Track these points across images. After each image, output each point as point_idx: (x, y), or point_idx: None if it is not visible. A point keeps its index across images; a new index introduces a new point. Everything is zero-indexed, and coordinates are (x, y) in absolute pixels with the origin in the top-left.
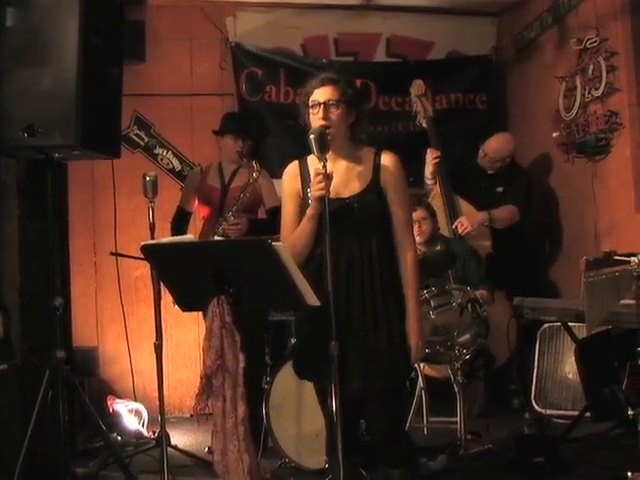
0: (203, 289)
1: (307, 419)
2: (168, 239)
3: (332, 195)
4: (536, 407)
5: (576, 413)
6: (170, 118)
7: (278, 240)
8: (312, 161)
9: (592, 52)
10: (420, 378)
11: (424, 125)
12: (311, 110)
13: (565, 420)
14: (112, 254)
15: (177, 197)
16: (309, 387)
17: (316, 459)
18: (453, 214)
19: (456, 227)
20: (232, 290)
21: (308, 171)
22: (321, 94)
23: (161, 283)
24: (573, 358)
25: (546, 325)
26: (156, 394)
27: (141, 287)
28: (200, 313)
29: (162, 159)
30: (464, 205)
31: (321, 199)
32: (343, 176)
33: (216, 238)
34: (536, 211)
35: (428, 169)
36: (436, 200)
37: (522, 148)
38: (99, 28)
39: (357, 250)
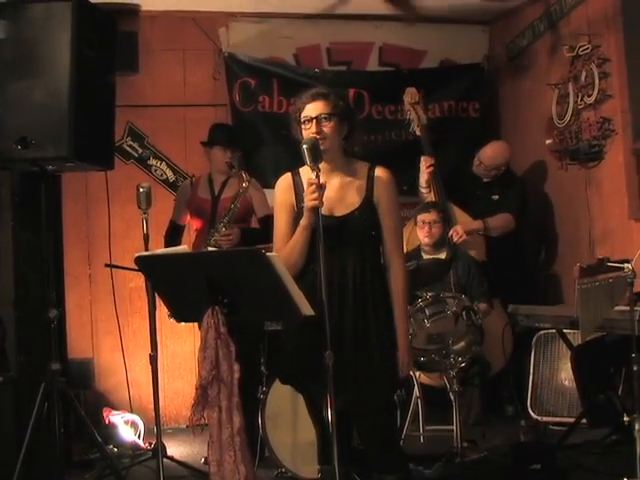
0: (198, 300)
1: (303, 429)
2: (162, 250)
3: (326, 212)
4: (532, 414)
5: (572, 420)
6: (164, 129)
7: (271, 249)
8: (305, 172)
9: (584, 59)
10: (416, 386)
11: (418, 133)
12: (303, 126)
13: (561, 427)
14: (107, 265)
15: (171, 208)
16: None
17: (312, 468)
18: (448, 222)
19: (451, 236)
20: (226, 301)
21: (301, 183)
22: (312, 109)
23: (156, 294)
24: (568, 365)
25: (541, 332)
26: (152, 405)
27: (136, 298)
28: (195, 324)
29: (156, 170)
30: (459, 213)
31: (314, 209)
32: (337, 192)
33: (209, 249)
34: (530, 218)
35: (422, 177)
36: None
37: (515, 156)
38: (92, 40)
39: (351, 266)
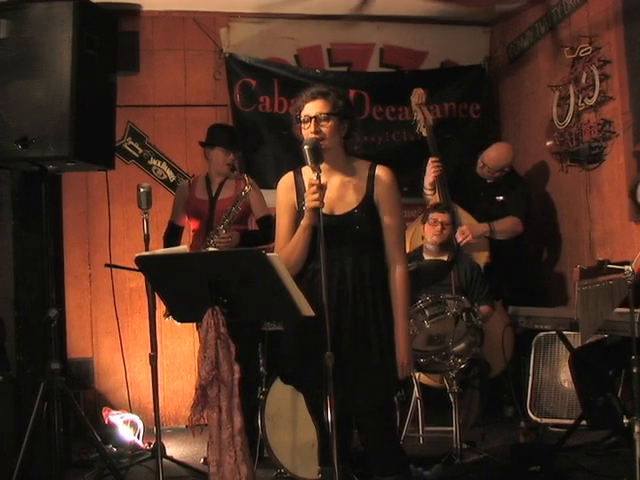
0: (198, 300)
1: (302, 429)
2: (162, 250)
3: (327, 211)
4: (532, 416)
5: (572, 422)
6: (164, 129)
7: (271, 250)
8: (307, 172)
9: (585, 61)
10: (416, 387)
11: (424, 134)
12: (303, 125)
13: (561, 429)
14: (107, 265)
15: (171, 208)
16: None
17: (312, 469)
18: (452, 223)
19: (457, 236)
20: (227, 301)
21: (303, 182)
22: (312, 108)
23: (156, 294)
24: (568, 366)
25: (541, 334)
26: (151, 405)
27: (136, 298)
28: (194, 324)
29: (156, 170)
30: (464, 215)
31: (315, 210)
32: (337, 191)
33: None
34: (531, 220)
35: (428, 179)
36: None
37: (516, 157)
38: (93, 39)
39: (350, 266)
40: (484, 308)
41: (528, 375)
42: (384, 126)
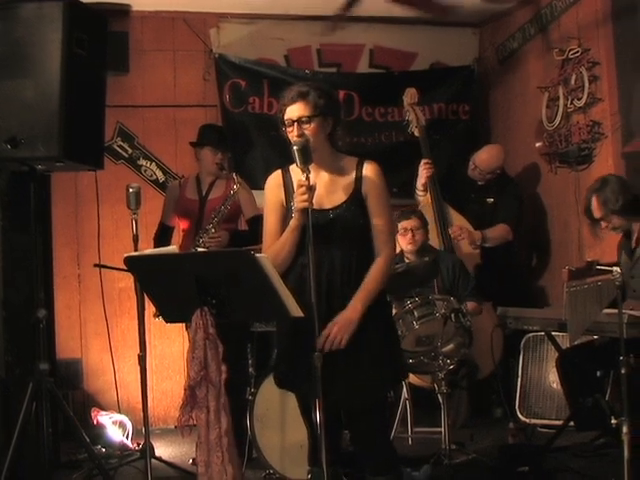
0: (186, 300)
1: (291, 430)
2: (151, 251)
3: (315, 206)
4: (520, 416)
5: (560, 422)
6: (154, 129)
7: (260, 250)
8: (295, 171)
9: (574, 62)
10: (405, 388)
11: (416, 134)
12: (287, 128)
13: (549, 429)
14: (96, 266)
15: (161, 208)
16: (293, 398)
17: (300, 470)
18: (444, 225)
19: (452, 232)
20: (215, 301)
21: (291, 180)
22: (292, 111)
23: (145, 295)
24: None
25: (530, 335)
26: (140, 406)
27: (125, 299)
28: (184, 324)
29: (146, 170)
30: (456, 217)
31: (304, 211)
32: (326, 187)
33: (198, 250)
34: (522, 222)
35: (420, 181)
36: (426, 210)
37: (505, 158)
38: (82, 39)
39: (338, 261)
40: (471, 304)
41: (517, 376)
42: (373, 127)
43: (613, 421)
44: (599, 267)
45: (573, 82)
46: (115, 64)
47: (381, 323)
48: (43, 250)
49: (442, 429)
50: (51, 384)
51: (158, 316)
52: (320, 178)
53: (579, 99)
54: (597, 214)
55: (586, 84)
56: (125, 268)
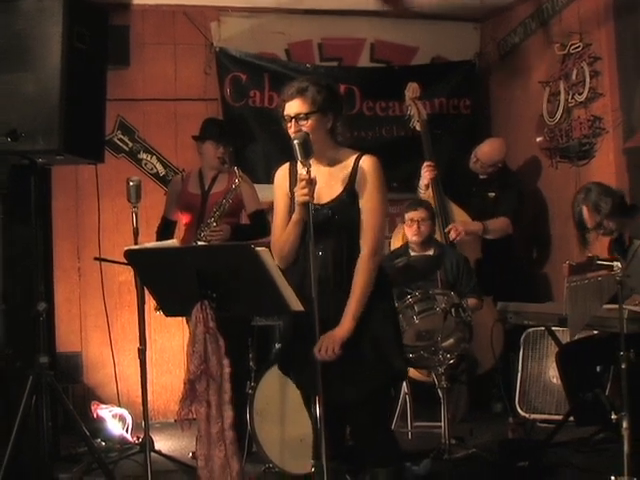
0: (187, 294)
1: (291, 424)
2: (152, 244)
3: (315, 200)
4: (520, 411)
5: (560, 417)
6: (154, 123)
7: (262, 245)
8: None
9: (575, 57)
10: (405, 382)
11: (418, 128)
12: (287, 123)
13: (549, 424)
14: (96, 259)
15: (161, 202)
16: (293, 392)
17: (300, 464)
18: (446, 221)
19: (449, 231)
20: (216, 295)
21: (297, 173)
22: (290, 108)
23: (145, 288)
24: None
25: (530, 330)
26: (140, 399)
27: (125, 292)
28: (184, 318)
29: (146, 164)
30: (457, 212)
31: (305, 205)
32: (324, 181)
33: (199, 244)
34: (523, 216)
35: (422, 182)
36: None
37: (506, 153)
38: (83, 33)
39: (331, 254)
40: (472, 300)
41: (517, 371)
42: (374, 121)
43: (613, 416)
44: (600, 262)
45: (574, 77)
46: (116, 58)
47: (377, 315)
48: (43, 243)
49: (442, 424)
50: (51, 377)
51: (159, 310)
52: (320, 172)
53: (580, 94)
54: (590, 223)
55: (587, 79)
56: (125, 261)
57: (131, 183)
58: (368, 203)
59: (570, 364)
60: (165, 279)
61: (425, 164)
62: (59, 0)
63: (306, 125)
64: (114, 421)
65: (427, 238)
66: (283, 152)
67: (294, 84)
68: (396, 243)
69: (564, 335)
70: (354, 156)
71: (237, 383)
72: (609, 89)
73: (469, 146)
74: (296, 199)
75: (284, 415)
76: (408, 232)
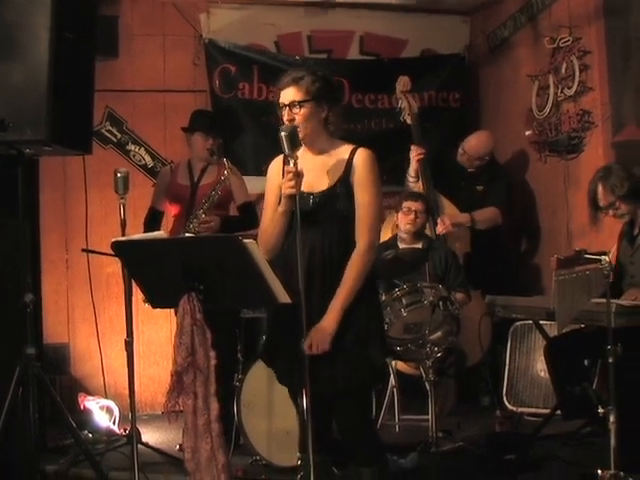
0: (174, 286)
1: (278, 416)
2: (139, 236)
3: (305, 189)
4: (507, 405)
5: (547, 411)
6: (143, 114)
7: (250, 236)
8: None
9: (565, 51)
10: (392, 375)
11: (409, 121)
12: (282, 112)
13: (536, 418)
14: (83, 251)
15: (149, 193)
16: (280, 384)
17: (287, 456)
18: (435, 213)
19: (436, 225)
20: (203, 287)
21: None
22: (285, 96)
23: (132, 280)
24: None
25: (518, 323)
26: (127, 391)
27: (113, 284)
28: (172, 310)
29: (134, 155)
30: (447, 205)
31: (292, 197)
32: (316, 171)
33: (187, 235)
34: (512, 210)
35: (412, 166)
36: None
37: (495, 147)
38: (71, 23)
39: (319, 245)
40: (459, 295)
41: (504, 364)
42: (363, 114)
43: (600, 410)
44: (587, 256)
45: (564, 71)
46: (104, 48)
47: (362, 306)
48: (31, 235)
49: (429, 417)
50: (38, 369)
51: (147, 302)
52: (313, 163)
53: (569, 88)
54: (603, 202)
55: (577, 73)
56: (113, 253)
57: (119, 174)
58: (364, 197)
59: (558, 357)
60: (152, 271)
61: (413, 147)
62: None
63: (299, 113)
64: (101, 413)
65: (419, 230)
66: (272, 144)
67: (290, 73)
68: (384, 235)
69: (552, 329)
70: (349, 148)
71: (224, 375)
72: (598, 83)
73: (458, 139)
74: (282, 191)
75: (271, 408)
76: (403, 220)
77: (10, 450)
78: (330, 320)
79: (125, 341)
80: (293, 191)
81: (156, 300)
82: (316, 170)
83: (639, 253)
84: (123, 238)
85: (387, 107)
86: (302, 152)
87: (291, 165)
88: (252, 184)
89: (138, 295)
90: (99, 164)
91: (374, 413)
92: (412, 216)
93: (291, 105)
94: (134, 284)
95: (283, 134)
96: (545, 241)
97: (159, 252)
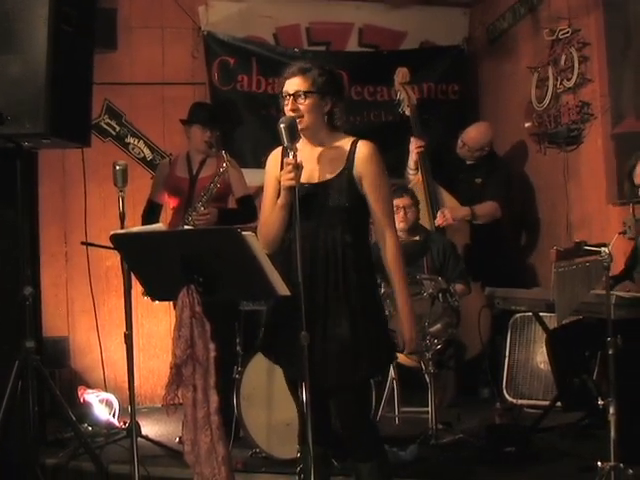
0: (173, 279)
1: (278, 409)
2: (138, 228)
3: (304, 180)
4: (507, 397)
5: (547, 403)
6: (141, 107)
7: (249, 229)
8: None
9: (564, 43)
10: (392, 367)
11: (407, 113)
12: (285, 102)
13: (536, 410)
14: (83, 244)
15: (148, 186)
16: (280, 377)
17: (287, 449)
18: (435, 205)
19: (437, 222)
20: (202, 279)
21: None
22: (290, 85)
23: (131, 273)
24: (544, 348)
25: (517, 315)
26: (127, 384)
27: (112, 277)
28: (171, 303)
29: (133, 148)
30: (447, 197)
31: (291, 189)
32: (317, 163)
33: (186, 228)
34: (511, 202)
35: (411, 158)
36: (417, 190)
37: (494, 139)
38: (70, 15)
39: (322, 236)
40: (459, 287)
41: (504, 356)
42: (362, 106)
43: (600, 402)
44: (587, 248)
45: (563, 62)
46: (103, 41)
47: (363, 299)
48: (30, 228)
49: (429, 409)
50: (37, 362)
51: (146, 295)
52: (312, 154)
53: (569, 79)
54: (637, 180)
55: (576, 64)
56: (112, 246)
57: (118, 167)
58: (377, 192)
59: (559, 349)
60: (151, 263)
61: (412, 139)
62: None
63: (303, 104)
64: (101, 406)
65: (413, 224)
66: (271, 136)
67: (297, 63)
68: None
69: (552, 321)
70: (349, 140)
71: (224, 368)
72: (598, 75)
73: (457, 131)
74: (282, 183)
75: (271, 400)
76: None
77: (10, 443)
78: (407, 329)
79: (124, 334)
80: (292, 183)
81: (155, 293)
82: (316, 161)
83: None
84: (122, 231)
85: (386, 99)
86: (301, 144)
87: (290, 157)
88: (251, 177)
89: (137, 288)
90: (98, 157)
91: (374, 406)
92: (401, 213)
93: (296, 95)
94: (133, 277)
95: (282, 126)
96: (545, 233)
97: (158, 245)
